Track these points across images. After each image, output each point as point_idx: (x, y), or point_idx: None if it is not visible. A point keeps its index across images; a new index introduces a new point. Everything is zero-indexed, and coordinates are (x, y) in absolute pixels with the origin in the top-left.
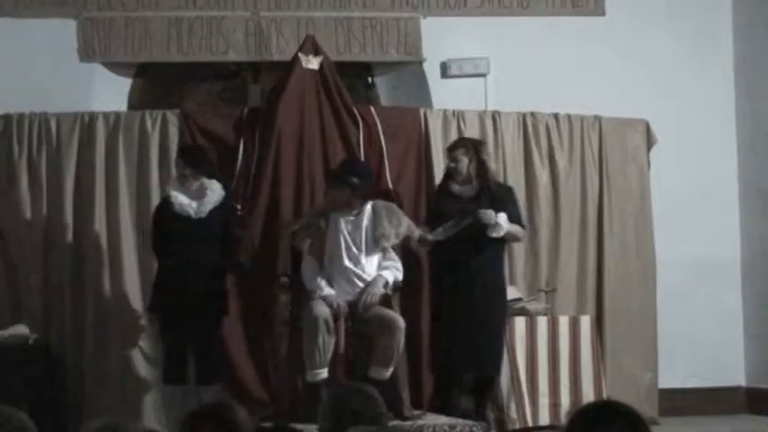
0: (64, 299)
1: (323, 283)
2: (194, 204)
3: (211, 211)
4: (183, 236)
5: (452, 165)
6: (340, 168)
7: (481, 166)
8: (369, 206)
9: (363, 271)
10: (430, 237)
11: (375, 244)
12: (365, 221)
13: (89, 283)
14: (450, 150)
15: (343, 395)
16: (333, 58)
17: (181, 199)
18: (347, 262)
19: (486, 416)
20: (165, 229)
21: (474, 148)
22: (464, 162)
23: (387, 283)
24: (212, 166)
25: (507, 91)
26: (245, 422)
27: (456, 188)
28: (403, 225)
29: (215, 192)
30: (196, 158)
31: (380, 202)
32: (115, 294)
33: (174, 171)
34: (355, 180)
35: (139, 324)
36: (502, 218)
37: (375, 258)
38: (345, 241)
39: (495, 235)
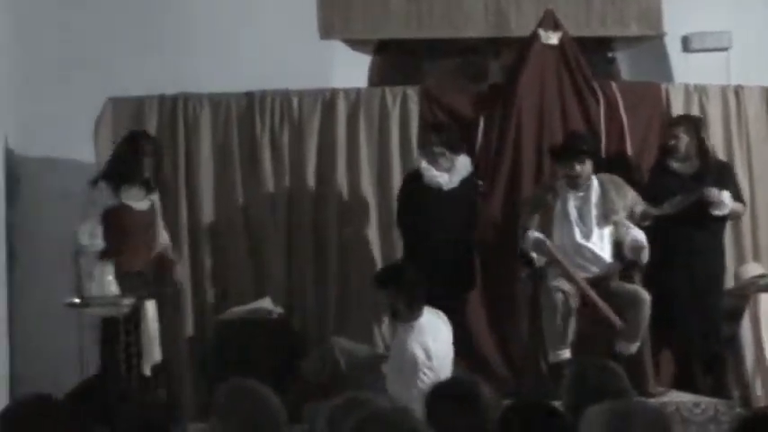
0: (306, 276)
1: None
2: (445, 176)
3: (460, 183)
4: (433, 208)
5: (672, 142)
6: (574, 141)
7: (701, 144)
8: (595, 180)
9: (595, 245)
10: (654, 211)
11: (605, 219)
12: (594, 196)
13: (331, 261)
14: (670, 127)
15: (586, 371)
16: (572, 33)
17: (432, 171)
18: (579, 238)
19: (731, 393)
20: (414, 200)
21: (694, 125)
22: (684, 140)
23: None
24: (462, 143)
25: (751, 65)
26: (490, 399)
27: (675, 165)
28: (629, 197)
29: (465, 164)
30: (451, 137)
31: (605, 176)
32: (357, 272)
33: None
34: (592, 155)
35: (380, 303)
36: (726, 196)
37: (606, 232)
38: (575, 216)
39: (719, 213)
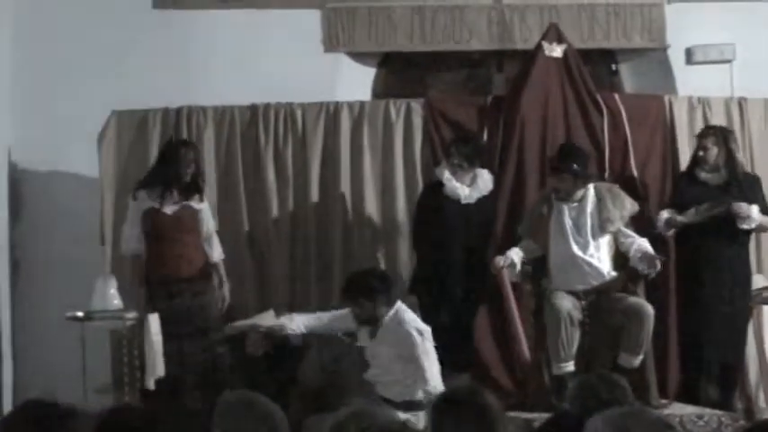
0: (309, 289)
1: None
2: (466, 189)
3: (480, 200)
4: (449, 219)
5: (701, 153)
6: (559, 155)
7: (730, 156)
8: (591, 190)
9: (592, 257)
10: (679, 218)
11: (601, 229)
12: (589, 207)
13: (335, 274)
14: (700, 138)
15: (591, 383)
16: (576, 45)
17: (453, 182)
18: (576, 249)
19: (734, 406)
20: (432, 210)
21: (723, 136)
22: (713, 151)
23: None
24: (481, 157)
25: (754, 77)
26: (496, 408)
27: (703, 175)
28: (627, 207)
29: (486, 181)
30: (473, 151)
31: (603, 185)
32: None
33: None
34: (576, 166)
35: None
36: (754, 210)
37: (603, 243)
38: (571, 228)
39: (746, 227)
